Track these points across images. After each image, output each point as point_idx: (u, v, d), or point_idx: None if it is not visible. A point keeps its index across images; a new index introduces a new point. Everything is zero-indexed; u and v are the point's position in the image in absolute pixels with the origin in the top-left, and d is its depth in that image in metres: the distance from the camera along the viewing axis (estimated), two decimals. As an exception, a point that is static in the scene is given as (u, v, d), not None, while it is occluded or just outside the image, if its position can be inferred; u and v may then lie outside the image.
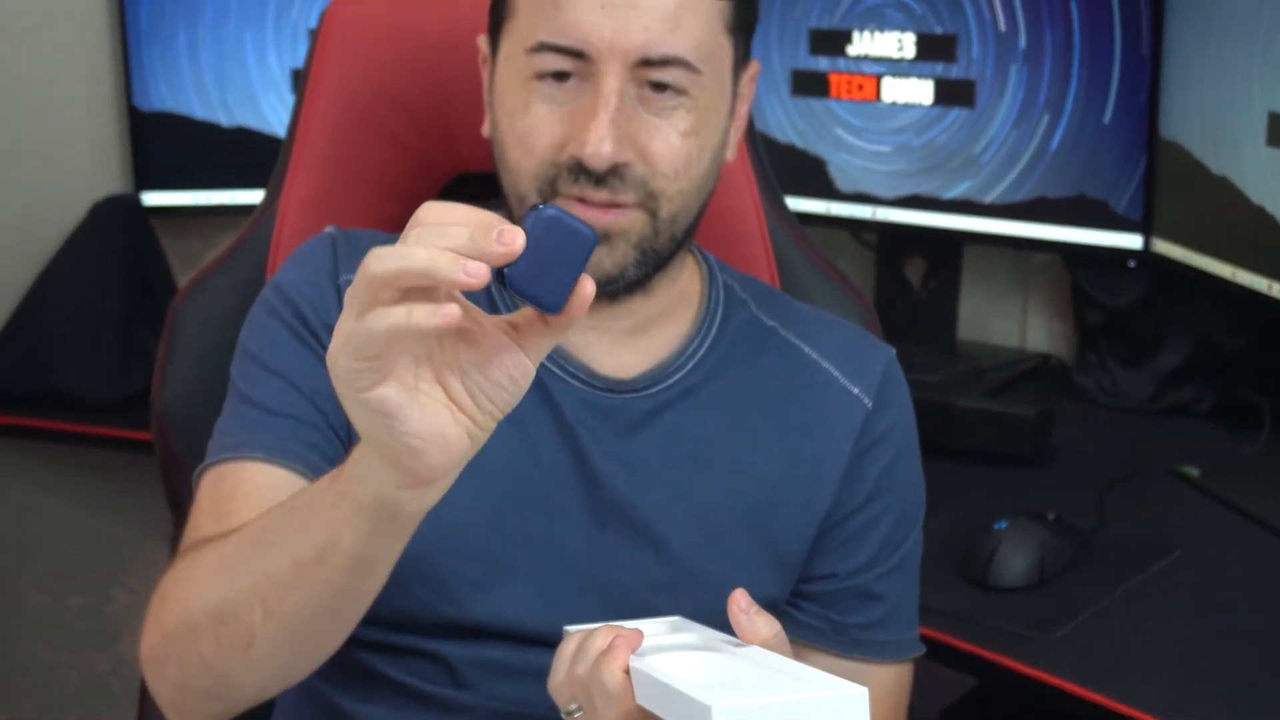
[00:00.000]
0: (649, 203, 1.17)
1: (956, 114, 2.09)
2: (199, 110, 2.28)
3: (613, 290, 1.21)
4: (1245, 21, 1.77)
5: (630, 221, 1.17)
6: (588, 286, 0.89)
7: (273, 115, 2.28)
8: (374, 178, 1.45)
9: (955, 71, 2.08)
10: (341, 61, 1.45)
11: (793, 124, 2.21)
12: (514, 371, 0.91)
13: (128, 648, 2.36)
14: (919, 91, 2.11)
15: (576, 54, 1.14)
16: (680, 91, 1.16)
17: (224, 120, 2.28)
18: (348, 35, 1.45)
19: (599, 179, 1.14)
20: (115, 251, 2.24)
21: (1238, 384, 2.00)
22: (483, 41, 1.25)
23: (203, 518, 1.17)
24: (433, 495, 0.95)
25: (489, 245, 0.84)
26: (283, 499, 1.07)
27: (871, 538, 1.28)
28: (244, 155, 2.27)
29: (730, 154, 1.25)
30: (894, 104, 2.13)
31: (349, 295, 0.87)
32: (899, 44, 2.11)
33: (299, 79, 1.49)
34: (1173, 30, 1.91)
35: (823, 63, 2.17)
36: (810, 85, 2.18)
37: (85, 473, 2.39)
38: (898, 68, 2.12)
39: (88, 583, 2.44)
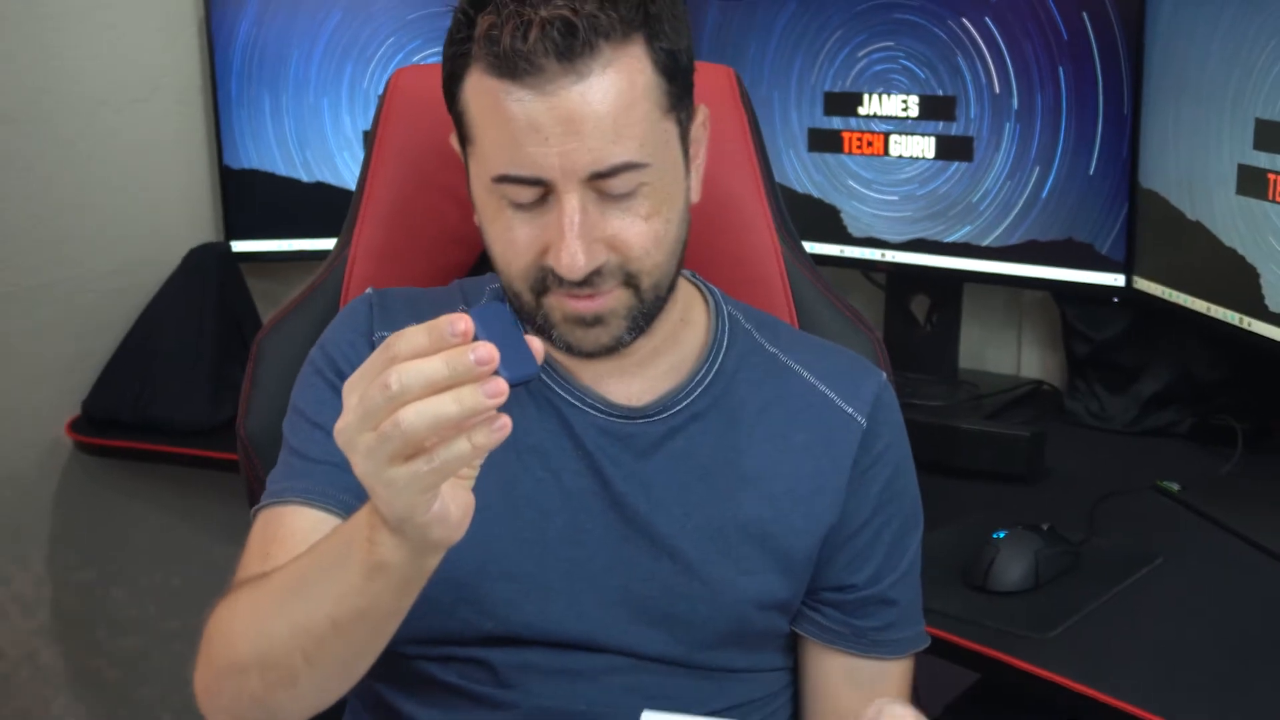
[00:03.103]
0: (630, 281, 1.15)
1: (956, 167, 2.08)
2: (282, 167, 2.29)
3: (614, 352, 1.20)
4: (1215, 83, 1.75)
5: (616, 301, 1.16)
6: (535, 342, 0.90)
7: (346, 172, 2.29)
8: (433, 228, 1.45)
9: (955, 129, 2.07)
10: (404, 125, 1.45)
11: (809, 176, 2.20)
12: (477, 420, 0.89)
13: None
14: (923, 147, 2.10)
15: (535, 182, 1.11)
16: (635, 186, 1.13)
17: (304, 176, 2.29)
18: (409, 101, 1.45)
19: (581, 281, 1.13)
20: (208, 293, 2.25)
21: (1213, 408, 1.98)
22: (454, 140, 1.22)
23: (251, 558, 1.18)
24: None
25: (468, 365, 0.84)
26: (316, 540, 1.06)
27: (879, 547, 1.27)
28: (321, 207, 2.28)
29: (695, 196, 1.21)
30: (900, 158, 2.12)
31: (377, 442, 0.87)
32: (904, 105, 2.10)
33: (368, 140, 1.49)
34: (1151, 91, 1.89)
35: (836, 122, 2.17)
36: (825, 142, 2.18)
37: (180, 489, 2.40)
38: (903, 126, 2.11)
39: (183, 584, 2.45)
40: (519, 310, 1.19)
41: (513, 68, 1.08)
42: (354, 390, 0.88)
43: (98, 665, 2.40)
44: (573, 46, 1.07)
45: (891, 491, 1.27)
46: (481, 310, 0.88)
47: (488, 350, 0.84)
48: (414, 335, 0.86)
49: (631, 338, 1.18)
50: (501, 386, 0.85)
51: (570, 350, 1.19)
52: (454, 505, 0.92)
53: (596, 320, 1.16)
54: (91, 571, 2.37)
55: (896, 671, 1.29)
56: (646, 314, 1.18)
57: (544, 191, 1.12)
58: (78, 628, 2.37)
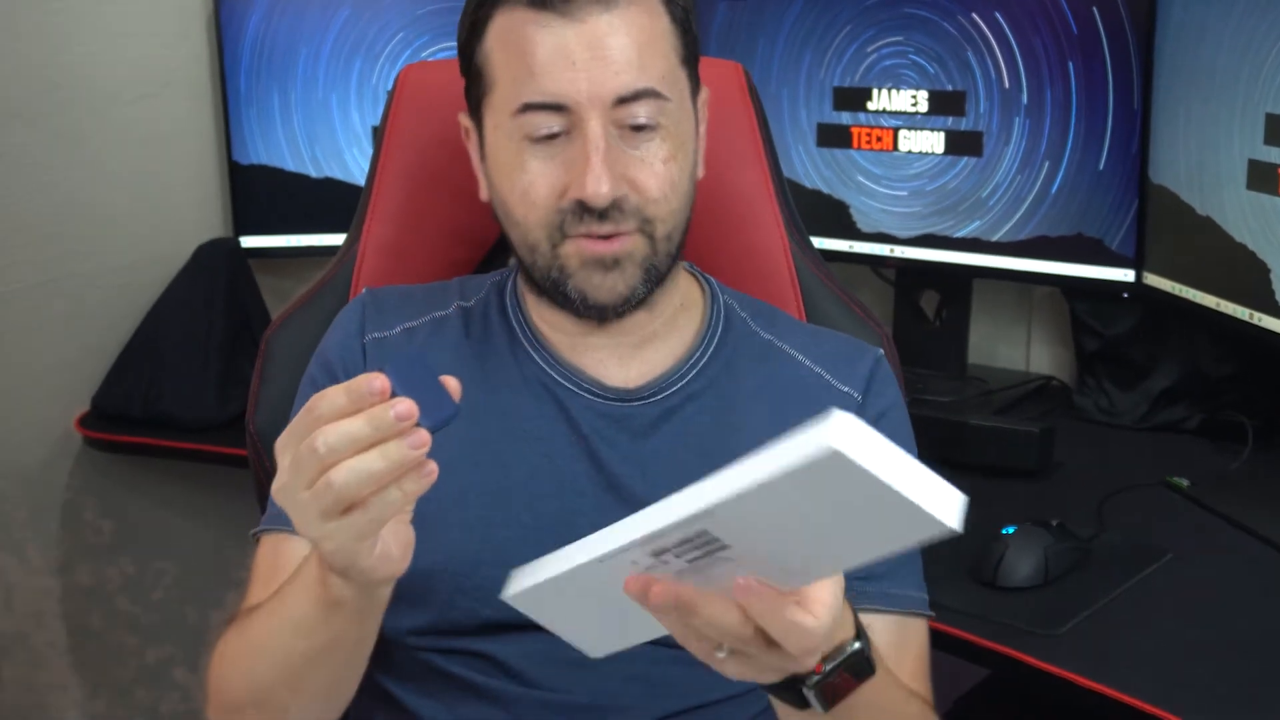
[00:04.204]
0: (646, 227, 1.19)
1: (966, 162, 2.08)
2: (290, 163, 2.29)
3: (624, 309, 1.22)
4: (1225, 78, 1.75)
5: (633, 245, 1.19)
6: (452, 382, 0.92)
7: (355, 167, 2.29)
8: (442, 223, 1.45)
9: (964, 124, 2.07)
10: (413, 120, 1.45)
11: (818, 172, 2.20)
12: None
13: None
14: (932, 142, 2.10)
15: (559, 108, 1.15)
16: (655, 124, 1.17)
17: (313, 172, 2.29)
18: (418, 96, 1.45)
19: (601, 214, 1.16)
20: (217, 289, 2.25)
21: (1222, 404, 1.97)
22: (464, 118, 1.27)
23: (256, 586, 1.22)
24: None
25: (389, 421, 0.87)
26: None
27: None
28: (330, 203, 2.28)
29: (700, 172, 1.26)
30: (909, 153, 2.12)
31: (312, 499, 0.90)
32: (914, 100, 2.10)
33: (377, 135, 1.49)
34: (1161, 86, 1.89)
35: (845, 117, 2.16)
36: (834, 137, 2.18)
37: (189, 484, 2.41)
38: (913, 121, 2.11)
39: (191, 579, 2.45)
40: (534, 268, 1.22)
41: None
42: (285, 451, 0.92)
43: (104, 661, 2.41)
44: None
45: None
46: (395, 362, 0.91)
47: (407, 406, 0.88)
48: (334, 396, 0.89)
49: (644, 290, 1.21)
50: (424, 437, 0.88)
51: (585, 302, 1.21)
52: (395, 543, 0.97)
53: (615, 263, 1.19)
54: (98, 566, 2.37)
55: (900, 640, 1.26)
56: (658, 268, 1.21)
57: (566, 126, 1.16)
58: (85, 623, 2.37)
